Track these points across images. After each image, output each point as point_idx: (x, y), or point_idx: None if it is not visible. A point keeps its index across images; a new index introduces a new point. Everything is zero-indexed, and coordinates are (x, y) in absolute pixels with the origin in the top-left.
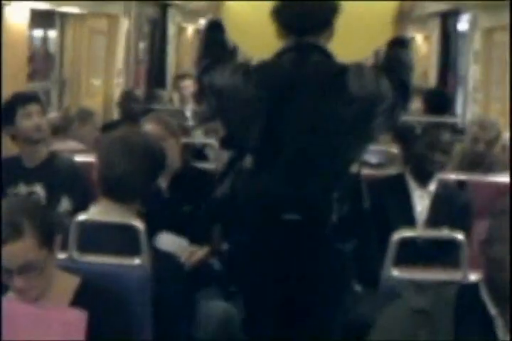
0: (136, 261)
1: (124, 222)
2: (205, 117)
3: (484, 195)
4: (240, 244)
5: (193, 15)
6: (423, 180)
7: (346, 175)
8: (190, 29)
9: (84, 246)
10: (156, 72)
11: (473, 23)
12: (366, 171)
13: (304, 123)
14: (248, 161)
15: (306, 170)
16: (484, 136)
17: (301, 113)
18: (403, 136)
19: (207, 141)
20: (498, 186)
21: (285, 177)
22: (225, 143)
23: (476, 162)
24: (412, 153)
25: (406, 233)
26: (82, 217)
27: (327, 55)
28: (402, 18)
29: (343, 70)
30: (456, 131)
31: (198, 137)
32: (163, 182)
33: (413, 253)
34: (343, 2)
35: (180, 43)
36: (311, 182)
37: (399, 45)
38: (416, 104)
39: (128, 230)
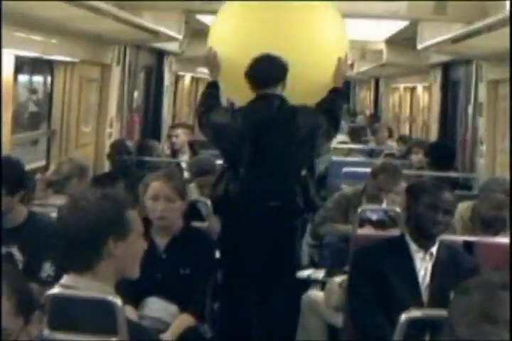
0: (113, 339)
1: (99, 298)
2: (202, 170)
3: (493, 259)
4: (231, 227)
5: (190, 64)
6: (425, 241)
7: (301, 176)
8: (187, 77)
9: (60, 320)
10: (151, 122)
11: (477, 75)
12: (366, 230)
13: (273, 145)
14: (242, 171)
15: (278, 174)
16: (507, 202)
17: (270, 138)
18: (413, 193)
19: (201, 198)
20: (508, 249)
21: (266, 179)
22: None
23: (490, 224)
24: (412, 212)
25: (414, 313)
26: (54, 290)
27: (283, 100)
28: None
29: (294, 110)
30: (459, 185)
31: (192, 192)
32: (161, 243)
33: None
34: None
35: (177, 92)
36: (281, 181)
37: (335, 91)
38: (418, 156)
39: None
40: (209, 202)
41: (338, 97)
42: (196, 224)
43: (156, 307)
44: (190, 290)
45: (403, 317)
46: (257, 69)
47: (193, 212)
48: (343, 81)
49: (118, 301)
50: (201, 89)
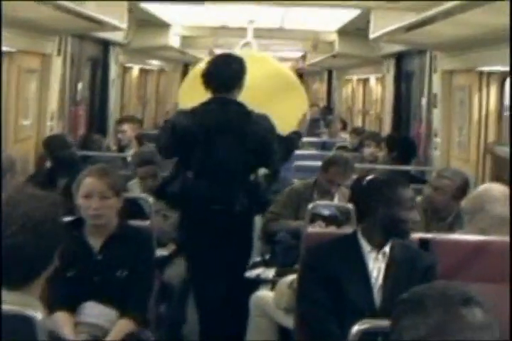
0: None
1: (16, 312)
2: (144, 160)
3: (450, 256)
4: (187, 226)
5: (138, 55)
6: (380, 240)
7: (247, 182)
8: (135, 69)
9: None
10: (97, 116)
11: (431, 65)
12: (317, 227)
13: (223, 148)
14: (190, 174)
15: (225, 179)
16: (451, 187)
17: (221, 141)
18: (354, 189)
19: (141, 195)
20: (466, 245)
21: (211, 182)
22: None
23: (441, 216)
24: (369, 209)
25: (366, 325)
26: None
27: (240, 105)
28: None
29: (249, 116)
30: (415, 179)
31: (134, 188)
32: (96, 243)
33: None
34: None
35: (125, 84)
36: (225, 185)
37: (296, 133)
38: (370, 149)
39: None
40: (151, 199)
41: (297, 138)
42: (137, 222)
43: (94, 312)
44: (130, 293)
45: (355, 329)
46: (214, 73)
47: (134, 209)
48: None
49: (38, 315)
50: (150, 81)
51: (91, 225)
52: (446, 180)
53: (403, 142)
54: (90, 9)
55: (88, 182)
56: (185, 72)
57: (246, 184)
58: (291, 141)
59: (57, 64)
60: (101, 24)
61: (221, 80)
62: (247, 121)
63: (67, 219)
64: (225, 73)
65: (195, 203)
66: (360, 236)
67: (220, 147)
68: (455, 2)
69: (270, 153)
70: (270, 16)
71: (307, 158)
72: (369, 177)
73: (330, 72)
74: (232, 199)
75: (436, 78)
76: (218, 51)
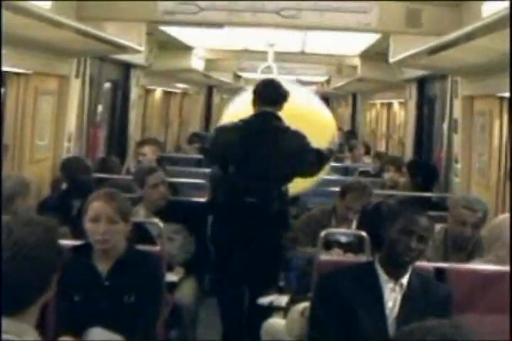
0: None
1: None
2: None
3: (466, 286)
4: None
5: (160, 77)
6: (395, 269)
7: (282, 188)
8: (158, 91)
9: None
10: (117, 138)
11: (452, 90)
12: (331, 254)
13: (263, 153)
14: (231, 169)
15: (261, 179)
16: (472, 219)
17: (262, 148)
18: (369, 217)
19: (150, 220)
20: (482, 275)
21: (251, 180)
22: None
23: (460, 246)
24: (382, 238)
25: None
26: None
27: (278, 118)
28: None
29: (286, 130)
30: (435, 206)
31: (139, 213)
32: (104, 268)
33: None
34: None
35: (147, 106)
36: (264, 184)
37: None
38: (390, 174)
39: None
40: (161, 224)
41: (331, 152)
42: (146, 247)
43: (100, 338)
44: (137, 319)
45: None
46: (264, 91)
47: (141, 234)
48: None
49: None
50: (173, 103)
51: (99, 250)
52: (467, 211)
53: (425, 168)
54: (108, 32)
55: (96, 206)
56: (209, 95)
57: (280, 191)
58: (324, 154)
59: (75, 86)
60: (119, 47)
61: (269, 95)
62: (284, 134)
63: (76, 243)
64: (273, 89)
65: (231, 197)
66: (377, 265)
67: (259, 152)
68: (475, 26)
69: (304, 164)
70: (291, 40)
71: (329, 183)
72: (375, 204)
73: (354, 96)
74: (270, 195)
75: (457, 103)
76: (242, 74)
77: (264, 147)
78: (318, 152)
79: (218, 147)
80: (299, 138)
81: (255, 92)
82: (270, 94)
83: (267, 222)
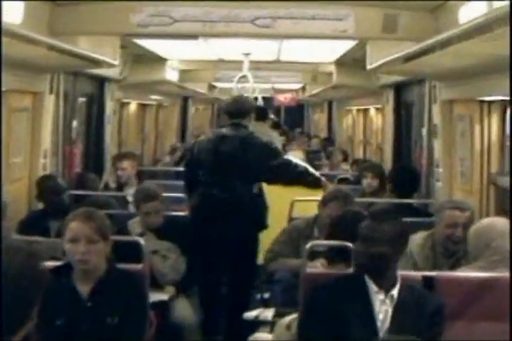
0: None
1: None
2: (148, 196)
3: (456, 294)
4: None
5: (134, 90)
6: (384, 280)
7: (251, 187)
8: (133, 104)
9: None
10: (93, 153)
11: (431, 95)
12: (317, 266)
13: (230, 158)
14: (204, 173)
15: (230, 179)
16: (462, 219)
17: (229, 154)
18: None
19: (134, 238)
20: (472, 283)
21: (221, 180)
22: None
23: (451, 251)
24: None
25: None
26: None
27: (247, 128)
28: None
29: (250, 137)
30: (419, 213)
31: (135, 228)
32: (85, 290)
33: None
34: None
35: (123, 120)
36: (233, 183)
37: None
38: (368, 180)
39: None
40: (143, 242)
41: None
42: (129, 266)
43: None
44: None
45: None
46: (231, 106)
47: (130, 252)
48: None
49: None
50: (148, 116)
51: (79, 271)
52: (457, 211)
53: (407, 174)
54: (82, 46)
55: (74, 226)
56: (184, 106)
57: (249, 189)
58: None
59: (49, 102)
60: (93, 61)
61: (235, 109)
62: (248, 141)
63: (56, 264)
64: (239, 104)
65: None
66: (366, 276)
67: (228, 159)
68: (453, 32)
69: (264, 168)
70: (267, 49)
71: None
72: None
73: (330, 103)
74: (239, 193)
75: (436, 108)
76: (217, 84)
77: (230, 152)
78: (288, 162)
79: (194, 156)
80: (261, 144)
81: (225, 108)
82: (236, 109)
83: (241, 219)
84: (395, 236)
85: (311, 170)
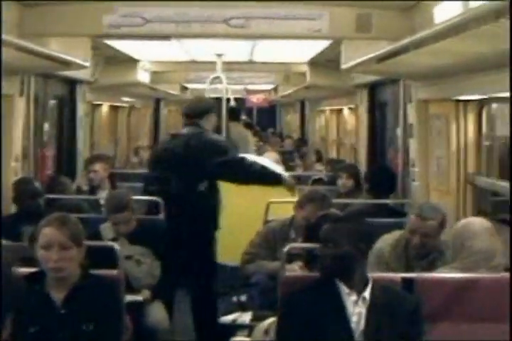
0: None
1: None
2: (117, 207)
3: (436, 295)
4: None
5: (106, 92)
6: (353, 282)
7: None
8: (105, 106)
9: None
10: (66, 156)
11: (405, 95)
12: (294, 270)
13: (175, 158)
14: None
15: (181, 176)
16: (421, 229)
17: (174, 152)
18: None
19: (108, 243)
20: (450, 284)
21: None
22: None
23: (421, 254)
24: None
25: None
26: None
27: (201, 128)
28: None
29: (205, 141)
30: (395, 213)
31: (107, 232)
32: (59, 296)
33: None
34: None
35: (94, 122)
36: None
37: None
38: (343, 180)
39: None
40: (117, 247)
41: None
42: (103, 271)
43: None
44: None
45: None
46: (187, 107)
47: (104, 256)
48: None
49: None
50: (120, 118)
51: (52, 278)
52: (417, 220)
53: (383, 174)
54: (53, 48)
55: (47, 232)
56: (157, 108)
57: (198, 186)
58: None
59: (20, 104)
60: (64, 63)
61: (190, 108)
62: (198, 139)
63: (29, 271)
64: (194, 104)
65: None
66: (336, 278)
67: (176, 158)
68: (428, 31)
69: (212, 166)
70: (239, 49)
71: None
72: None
73: (303, 104)
74: (189, 188)
75: (412, 108)
76: (190, 86)
77: (175, 150)
78: (238, 159)
79: (151, 156)
80: (208, 141)
81: (183, 110)
82: (191, 109)
83: (190, 217)
84: (357, 237)
85: (274, 167)
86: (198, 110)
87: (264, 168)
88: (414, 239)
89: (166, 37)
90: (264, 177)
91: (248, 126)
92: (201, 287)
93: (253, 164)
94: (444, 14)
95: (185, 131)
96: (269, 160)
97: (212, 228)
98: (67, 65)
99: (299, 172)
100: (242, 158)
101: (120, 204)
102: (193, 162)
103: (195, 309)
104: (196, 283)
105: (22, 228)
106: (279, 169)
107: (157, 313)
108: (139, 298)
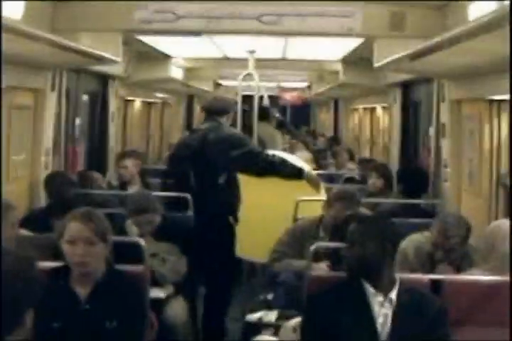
0: None
1: None
2: (138, 208)
3: (464, 298)
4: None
5: (139, 88)
6: (381, 282)
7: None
8: (137, 102)
9: None
10: (97, 151)
11: (439, 94)
12: (321, 269)
13: (194, 152)
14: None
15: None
16: (444, 244)
17: (193, 147)
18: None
19: (134, 239)
20: (480, 287)
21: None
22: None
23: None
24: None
25: None
26: None
27: (220, 123)
28: None
29: (222, 136)
30: (426, 214)
31: (132, 228)
32: (83, 292)
33: None
34: None
35: (127, 118)
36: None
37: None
38: (372, 180)
39: None
40: (143, 243)
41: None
42: (129, 267)
43: None
44: None
45: None
46: (208, 104)
47: (131, 252)
48: None
49: None
50: (153, 114)
51: (77, 273)
52: (440, 236)
53: (415, 174)
54: (84, 43)
55: (72, 227)
56: (190, 104)
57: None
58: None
59: (51, 99)
60: (95, 58)
61: (212, 106)
62: (219, 139)
63: (53, 265)
64: (213, 103)
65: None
66: (362, 279)
67: (197, 154)
68: (461, 29)
69: (228, 159)
70: (272, 46)
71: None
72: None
73: (336, 102)
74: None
75: (444, 107)
76: (223, 82)
77: (193, 144)
78: (255, 152)
79: (171, 151)
80: (224, 135)
81: (203, 106)
82: (211, 107)
83: (211, 210)
84: (384, 237)
85: (297, 162)
86: (218, 107)
87: (283, 161)
88: (438, 254)
89: (196, 33)
90: (283, 169)
91: (280, 124)
92: (217, 284)
93: (272, 156)
94: (477, 13)
95: (203, 126)
96: (295, 157)
97: (232, 222)
98: (98, 59)
99: (332, 170)
100: (261, 150)
101: (141, 206)
102: (210, 155)
103: (206, 306)
104: (213, 280)
105: (52, 221)
106: (302, 165)
107: (176, 308)
108: (161, 294)
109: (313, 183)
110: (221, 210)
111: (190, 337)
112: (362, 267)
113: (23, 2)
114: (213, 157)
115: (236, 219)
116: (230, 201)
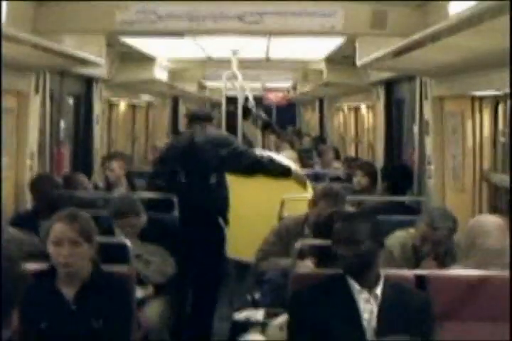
0: None
1: None
2: (120, 211)
3: (449, 293)
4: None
5: (123, 90)
6: (366, 279)
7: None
8: (122, 104)
9: None
10: (82, 154)
11: (422, 91)
12: (306, 266)
13: (184, 153)
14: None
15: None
16: (432, 237)
17: (182, 148)
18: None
19: (119, 240)
20: (464, 281)
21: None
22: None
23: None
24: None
25: None
26: None
27: (204, 126)
28: None
29: (212, 138)
30: (410, 211)
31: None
32: (70, 293)
33: None
34: None
35: (112, 120)
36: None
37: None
38: (357, 178)
39: None
40: (129, 244)
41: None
42: (115, 267)
43: None
44: None
45: None
46: (190, 113)
47: (117, 252)
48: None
49: None
50: (138, 116)
51: (63, 273)
52: (428, 229)
53: (400, 171)
54: (67, 45)
55: (57, 228)
56: (175, 106)
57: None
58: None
59: (35, 102)
60: (79, 60)
61: (195, 113)
62: (204, 139)
63: (39, 267)
64: (197, 111)
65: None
66: (347, 275)
67: (187, 157)
68: (442, 25)
69: (217, 159)
70: (255, 46)
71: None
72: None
73: (321, 101)
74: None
75: (427, 105)
76: (208, 83)
77: (184, 145)
78: (241, 150)
79: (165, 155)
80: (211, 136)
81: (187, 115)
82: (193, 114)
83: (202, 210)
84: (371, 235)
85: (284, 161)
86: (201, 114)
87: (271, 160)
88: (425, 247)
89: (179, 34)
90: (271, 167)
91: (266, 125)
92: (205, 284)
93: (258, 154)
94: (458, 11)
95: (189, 130)
96: (281, 157)
97: (222, 223)
98: (81, 61)
99: (317, 169)
100: (247, 149)
101: (123, 209)
102: (201, 155)
103: (193, 305)
104: (201, 280)
105: (38, 223)
106: (288, 163)
107: (153, 310)
108: (138, 295)
109: (300, 181)
110: (212, 210)
111: (167, 338)
112: (359, 264)
113: (5, 6)
114: (203, 157)
115: (226, 222)
116: (220, 201)
